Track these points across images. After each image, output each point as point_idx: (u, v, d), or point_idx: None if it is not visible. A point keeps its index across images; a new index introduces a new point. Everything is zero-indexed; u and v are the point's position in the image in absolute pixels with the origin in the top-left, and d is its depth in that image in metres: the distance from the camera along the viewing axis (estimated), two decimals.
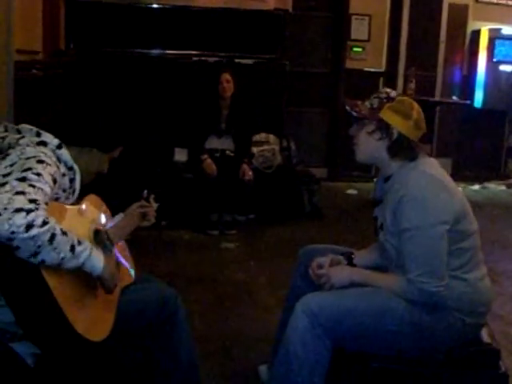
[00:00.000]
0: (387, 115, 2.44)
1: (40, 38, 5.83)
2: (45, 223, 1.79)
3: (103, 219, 2.36)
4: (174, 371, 2.46)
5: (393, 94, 2.50)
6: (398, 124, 2.43)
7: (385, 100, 2.46)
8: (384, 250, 2.52)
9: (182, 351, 2.46)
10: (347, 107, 2.53)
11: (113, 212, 2.46)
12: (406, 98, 2.52)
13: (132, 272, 2.47)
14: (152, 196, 2.60)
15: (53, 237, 1.82)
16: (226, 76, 5.96)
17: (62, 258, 1.87)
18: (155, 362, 2.46)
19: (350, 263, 2.70)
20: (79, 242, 1.95)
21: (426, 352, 2.42)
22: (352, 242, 2.67)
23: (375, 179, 2.69)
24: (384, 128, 2.44)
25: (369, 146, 2.49)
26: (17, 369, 2.01)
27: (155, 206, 2.60)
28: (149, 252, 4.84)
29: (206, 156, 5.79)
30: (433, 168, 2.46)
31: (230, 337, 3.54)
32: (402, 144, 2.43)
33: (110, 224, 2.35)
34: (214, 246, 5.34)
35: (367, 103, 2.49)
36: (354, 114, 2.51)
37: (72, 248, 1.90)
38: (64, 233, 1.87)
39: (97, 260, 2.02)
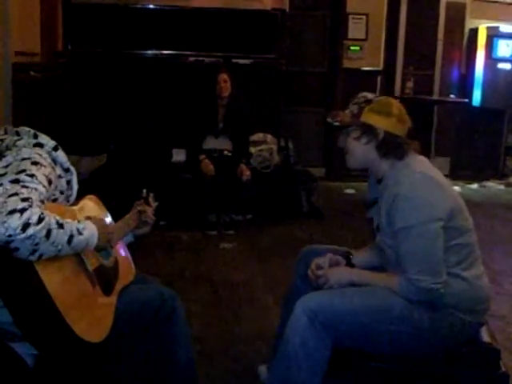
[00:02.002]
0: (368, 117, 2.46)
1: (38, 39, 5.83)
2: (40, 220, 1.80)
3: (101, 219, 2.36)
4: (173, 371, 2.46)
5: (370, 96, 2.53)
6: (380, 123, 2.45)
7: (363, 104, 2.49)
8: (382, 251, 2.53)
9: (181, 351, 2.46)
10: (329, 119, 2.57)
11: (112, 213, 2.46)
12: (383, 97, 2.56)
13: (132, 272, 2.48)
14: (151, 195, 2.61)
15: (49, 232, 1.82)
16: (223, 76, 5.97)
17: (59, 250, 1.89)
18: (153, 362, 2.46)
19: (349, 263, 2.71)
20: (79, 232, 1.96)
21: (425, 351, 2.42)
22: (350, 241, 2.69)
23: (368, 180, 2.70)
24: (369, 131, 2.46)
25: (358, 151, 2.51)
26: (17, 369, 2.01)
27: (154, 205, 2.60)
28: (147, 252, 4.84)
29: (203, 156, 5.80)
30: (423, 166, 2.47)
31: (229, 337, 3.54)
32: (390, 142, 2.45)
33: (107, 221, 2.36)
34: (212, 246, 5.34)
35: (347, 111, 2.52)
36: (337, 124, 2.54)
37: (70, 240, 1.91)
38: (60, 225, 1.88)
39: (91, 243, 2.05)
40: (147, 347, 2.44)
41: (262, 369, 3.00)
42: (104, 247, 2.20)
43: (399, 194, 2.35)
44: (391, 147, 2.45)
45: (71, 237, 1.92)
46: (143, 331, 2.40)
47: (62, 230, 1.88)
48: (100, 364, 2.29)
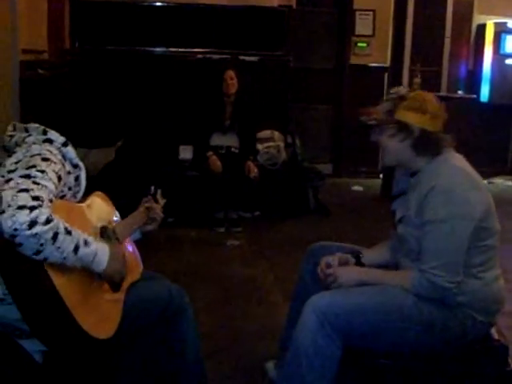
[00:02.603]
0: (403, 115, 2.42)
1: (45, 37, 5.84)
2: (48, 221, 1.79)
3: (110, 216, 2.36)
4: (181, 368, 2.47)
5: (403, 91, 2.48)
6: (416, 121, 2.41)
7: (397, 100, 2.44)
8: (403, 243, 2.49)
9: (189, 348, 2.46)
10: (362, 118, 2.52)
11: (120, 210, 2.47)
12: (416, 92, 2.51)
13: (139, 269, 2.48)
14: (159, 192, 2.61)
15: (56, 235, 1.82)
16: (230, 73, 5.97)
17: (65, 258, 1.87)
18: (161, 359, 2.46)
19: (358, 262, 2.69)
20: (86, 243, 1.94)
21: (435, 349, 2.41)
22: (357, 238, 2.67)
23: (395, 173, 2.67)
24: (404, 128, 2.42)
25: (394, 149, 2.47)
26: (25, 365, 2.02)
27: (162, 201, 2.60)
28: (155, 249, 4.85)
29: (211, 153, 5.80)
30: (461, 162, 2.45)
31: (237, 333, 3.55)
32: (426, 139, 2.42)
33: (117, 221, 2.36)
34: (219, 243, 5.35)
35: (380, 107, 2.48)
36: (371, 122, 2.49)
37: (76, 249, 1.89)
38: (68, 232, 1.87)
39: (101, 260, 2.01)
40: (155, 344, 2.45)
41: (270, 365, 3.00)
42: (113, 276, 2.14)
43: (438, 185, 2.32)
44: (427, 144, 2.42)
45: (77, 246, 1.90)
46: (151, 328, 2.41)
47: (69, 237, 1.87)
48: (107, 360, 2.30)
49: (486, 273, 2.40)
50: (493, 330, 2.50)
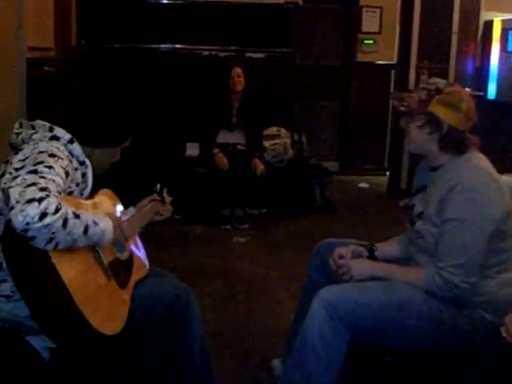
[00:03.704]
0: (437, 109, 2.39)
1: (52, 34, 5.84)
2: (57, 210, 1.81)
3: (117, 213, 2.37)
4: (187, 365, 2.47)
5: (441, 85, 2.44)
6: (448, 117, 2.39)
7: (433, 92, 2.41)
8: (420, 239, 2.47)
9: (195, 345, 2.46)
10: (393, 102, 2.51)
11: (126, 206, 2.47)
12: (455, 88, 2.46)
13: (146, 266, 2.48)
14: (165, 190, 2.61)
15: (66, 222, 1.84)
16: (237, 70, 5.97)
17: (75, 240, 1.90)
18: (168, 356, 2.46)
19: (372, 255, 2.69)
20: (95, 223, 1.98)
21: (444, 347, 2.41)
22: (364, 235, 2.67)
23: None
24: (434, 122, 2.40)
25: (419, 139, 2.45)
26: (32, 362, 2.02)
27: (168, 199, 2.60)
28: (162, 246, 4.87)
29: (217, 150, 5.81)
30: (484, 163, 2.44)
31: (243, 331, 3.55)
32: (453, 137, 2.40)
33: (124, 217, 2.36)
34: (226, 240, 5.35)
35: (415, 95, 2.45)
36: (402, 108, 2.47)
37: (85, 230, 1.92)
38: (77, 216, 1.89)
39: (107, 236, 2.06)
40: (162, 341, 2.45)
41: (277, 363, 3.00)
42: (118, 241, 2.21)
43: (460, 184, 2.30)
44: (453, 142, 2.41)
45: (87, 227, 1.93)
46: (158, 325, 2.41)
47: (78, 221, 1.89)
48: (114, 357, 2.30)
49: (501, 275, 2.39)
50: (501, 329, 2.49)
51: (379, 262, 2.60)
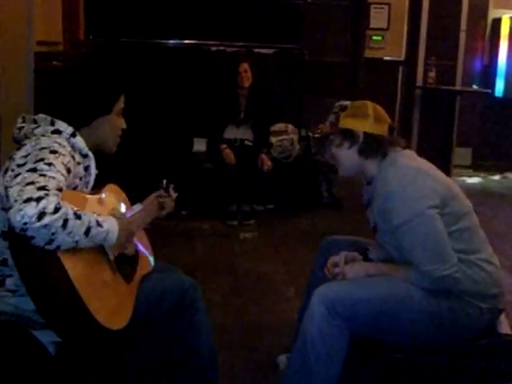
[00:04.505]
0: (345, 122, 2.51)
1: (60, 29, 5.85)
2: (57, 209, 1.78)
3: (123, 208, 2.37)
4: (193, 361, 2.47)
5: (346, 103, 2.58)
6: (358, 126, 2.49)
7: (340, 112, 2.53)
8: (385, 250, 2.54)
9: (201, 341, 2.47)
10: (310, 134, 2.65)
11: (132, 202, 2.47)
12: (357, 101, 2.58)
13: (151, 261, 2.49)
14: (171, 186, 2.61)
15: (66, 222, 1.80)
16: (245, 66, 5.96)
17: (77, 241, 1.86)
18: (174, 352, 2.47)
19: (365, 258, 2.70)
20: (99, 224, 1.94)
21: (444, 341, 2.42)
22: (370, 232, 2.66)
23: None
24: (348, 135, 2.50)
25: (344, 158, 2.55)
26: (39, 357, 2.03)
27: (174, 195, 2.60)
28: (168, 242, 4.86)
29: (224, 146, 5.80)
30: (408, 160, 2.49)
31: (249, 327, 3.55)
32: (371, 143, 2.48)
33: (130, 213, 2.37)
34: (232, 236, 5.35)
35: (326, 123, 2.59)
36: (318, 135, 2.64)
37: (87, 231, 1.88)
38: (78, 216, 1.85)
39: (111, 238, 2.02)
40: (167, 336, 2.46)
41: (282, 359, 3.01)
42: (125, 243, 2.17)
43: (389, 192, 2.38)
44: (373, 147, 2.49)
45: (89, 228, 1.89)
46: (163, 320, 2.41)
47: (79, 221, 1.85)
48: (119, 352, 2.31)
49: (474, 255, 2.41)
50: (504, 324, 2.50)
51: (373, 263, 2.62)
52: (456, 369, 2.45)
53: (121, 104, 2.34)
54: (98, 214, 2.00)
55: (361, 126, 2.48)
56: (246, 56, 6.35)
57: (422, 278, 2.34)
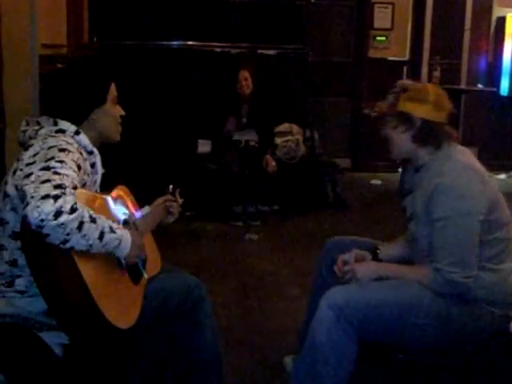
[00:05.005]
0: (404, 105, 2.42)
1: (64, 32, 5.87)
2: (73, 210, 1.78)
3: (132, 210, 2.38)
4: (198, 361, 2.48)
5: (407, 84, 2.49)
6: (416, 111, 2.41)
7: (400, 92, 2.45)
8: (415, 241, 2.50)
9: (206, 341, 2.47)
10: (366, 111, 2.55)
11: (139, 203, 2.48)
12: (420, 84, 2.53)
13: (158, 263, 2.49)
14: (178, 190, 2.62)
15: (81, 224, 1.81)
16: (245, 74, 5.90)
17: (90, 245, 1.86)
18: (179, 351, 2.47)
19: (375, 258, 2.68)
20: (111, 230, 1.93)
21: (453, 344, 2.40)
22: (376, 233, 2.67)
23: (400, 169, 2.67)
24: (406, 119, 2.42)
25: (397, 141, 2.48)
26: (45, 358, 2.03)
27: (180, 200, 2.61)
28: (174, 243, 4.87)
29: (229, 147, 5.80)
30: (465, 156, 2.43)
31: (255, 328, 3.55)
32: (427, 130, 2.41)
33: (138, 215, 2.37)
34: (238, 237, 5.35)
35: (385, 101, 2.49)
36: (374, 114, 2.51)
37: (101, 235, 1.88)
38: (93, 219, 1.86)
39: (124, 247, 2.01)
40: (173, 336, 2.46)
41: (288, 360, 3.00)
42: (135, 258, 2.16)
43: (441, 183, 2.32)
44: (429, 135, 2.42)
45: (102, 233, 1.89)
46: (169, 320, 2.42)
47: (94, 225, 1.86)
48: (126, 352, 2.31)
49: (500, 265, 2.39)
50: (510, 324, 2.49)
51: (384, 263, 2.61)
52: (463, 369, 2.44)
53: (114, 92, 2.33)
54: (112, 221, 2.01)
55: (419, 111, 2.40)
56: (247, 62, 6.29)
57: (437, 278, 2.31)
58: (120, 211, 2.23)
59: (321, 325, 2.33)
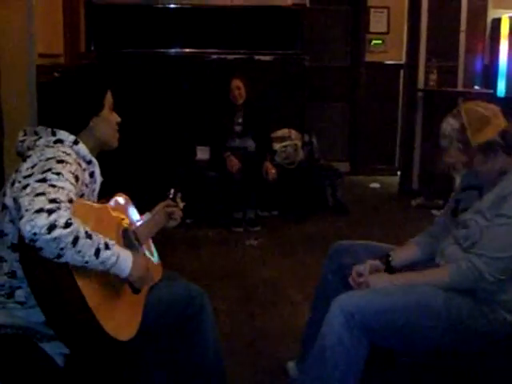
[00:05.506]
0: (477, 139, 2.39)
1: (61, 41, 5.87)
2: (68, 224, 1.77)
3: (131, 218, 2.37)
4: (201, 368, 2.47)
5: (451, 122, 2.45)
6: (489, 133, 2.39)
7: (461, 133, 2.42)
8: (462, 229, 2.46)
9: (209, 348, 2.46)
10: (449, 172, 2.52)
11: (139, 211, 2.48)
12: (465, 109, 2.45)
13: (159, 271, 2.49)
14: (179, 195, 2.61)
15: (76, 239, 1.79)
16: (237, 83, 5.89)
17: (86, 262, 1.85)
18: (182, 359, 2.47)
19: (388, 267, 2.66)
20: (107, 246, 1.91)
21: (461, 346, 2.39)
22: (376, 236, 2.66)
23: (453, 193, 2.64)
24: (487, 147, 2.40)
25: (495, 167, 2.43)
26: (47, 369, 2.02)
27: (181, 205, 2.60)
28: (174, 250, 4.87)
29: (228, 153, 5.80)
30: None
31: (257, 333, 3.55)
32: (509, 137, 2.41)
33: (138, 223, 2.36)
34: (238, 242, 5.35)
35: (452, 152, 2.46)
36: (459, 169, 2.50)
37: (97, 252, 1.86)
38: (89, 236, 1.84)
39: (124, 265, 1.98)
40: (175, 345, 2.45)
41: (291, 365, 3.00)
42: (136, 282, 2.13)
43: None
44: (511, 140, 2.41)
45: (98, 250, 1.87)
46: (171, 329, 2.41)
47: (89, 241, 1.84)
48: (128, 362, 2.31)
49: None
50: None
51: (397, 274, 2.59)
52: (470, 372, 2.44)
53: (110, 98, 2.32)
54: (110, 239, 1.97)
55: (491, 132, 2.39)
56: (241, 70, 6.27)
57: (463, 264, 2.31)
58: (117, 220, 2.22)
59: (331, 329, 2.31)
